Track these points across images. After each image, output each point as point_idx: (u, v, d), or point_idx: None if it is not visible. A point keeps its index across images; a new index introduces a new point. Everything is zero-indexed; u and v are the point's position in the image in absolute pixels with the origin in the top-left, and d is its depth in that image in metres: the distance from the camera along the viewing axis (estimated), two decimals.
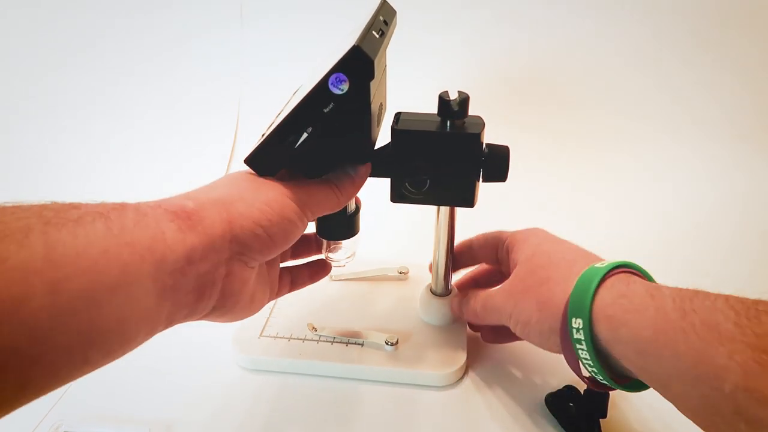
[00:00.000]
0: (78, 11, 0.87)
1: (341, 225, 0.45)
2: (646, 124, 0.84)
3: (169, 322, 0.32)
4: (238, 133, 0.86)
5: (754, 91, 0.82)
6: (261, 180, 0.38)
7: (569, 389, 0.46)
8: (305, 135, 0.36)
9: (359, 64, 0.33)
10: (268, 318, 0.53)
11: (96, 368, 0.28)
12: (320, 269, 0.49)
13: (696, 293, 0.32)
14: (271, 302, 0.54)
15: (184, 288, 0.32)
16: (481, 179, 0.42)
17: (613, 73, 0.84)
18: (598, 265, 0.37)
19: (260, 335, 0.51)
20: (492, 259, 0.50)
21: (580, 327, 0.35)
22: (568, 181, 0.80)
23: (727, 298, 0.30)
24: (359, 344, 0.50)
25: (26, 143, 0.85)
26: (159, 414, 0.46)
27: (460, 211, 0.47)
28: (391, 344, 0.49)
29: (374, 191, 0.45)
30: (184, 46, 0.87)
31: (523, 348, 0.52)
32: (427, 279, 0.54)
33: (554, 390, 0.46)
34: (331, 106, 0.35)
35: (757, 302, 0.30)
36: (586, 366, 0.36)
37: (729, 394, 0.27)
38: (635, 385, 0.37)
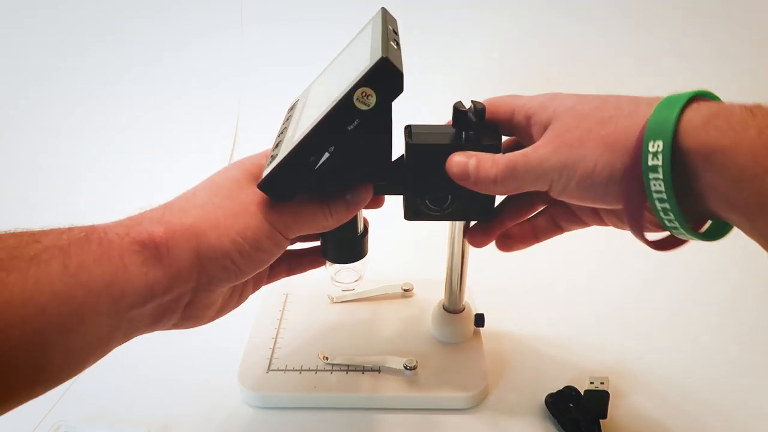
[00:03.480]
0: (79, 13, 0.88)
1: (349, 247, 0.43)
2: None
3: (123, 342, 0.33)
4: (237, 134, 0.86)
5: (756, 90, 0.83)
6: (243, 199, 0.35)
7: (569, 389, 0.46)
8: (326, 155, 0.34)
9: (388, 78, 0.31)
10: (272, 350, 0.50)
11: (41, 394, 0.29)
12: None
13: None
14: (273, 332, 0.52)
15: (142, 317, 0.32)
16: None
17: (623, 77, 0.84)
18: (676, 94, 0.30)
19: (268, 370, 0.47)
20: (505, 130, 0.40)
21: (659, 150, 0.28)
22: None
23: None
24: (376, 370, 0.47)
25: (27, 144, 0.85)
26: (158, 414, 0.46)
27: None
28: (411, 368, 0.46)
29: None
30: (184, 49, 0.88)
31: (523, 348, 0.52)
32: (434, 295, 0.52)
33: (554, 390, 0.46)
34: (356, 123, 0.32)
35: None
36: (657, 204, 0.29)
37: None
38: (711, 232, 0.31)
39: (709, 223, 0.32)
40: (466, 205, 0.40)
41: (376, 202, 0.42)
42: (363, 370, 0.47)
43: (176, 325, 0.36)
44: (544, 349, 0.52)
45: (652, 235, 0.33)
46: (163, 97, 0.87)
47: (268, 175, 0.35)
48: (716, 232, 0.31)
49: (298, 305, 0.55)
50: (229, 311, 0.40)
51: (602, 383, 0.43)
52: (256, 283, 0.42)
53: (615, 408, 0.45)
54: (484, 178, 0.36)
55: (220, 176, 0.37)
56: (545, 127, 0.34)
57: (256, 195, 0.36)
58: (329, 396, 0.45)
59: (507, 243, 0.43)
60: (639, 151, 0.29)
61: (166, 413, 0.46)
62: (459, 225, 0.45)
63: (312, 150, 0.33)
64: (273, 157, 0.36)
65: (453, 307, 0.50)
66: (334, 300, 0.56)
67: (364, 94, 0.31)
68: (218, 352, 0.51)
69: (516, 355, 0.51)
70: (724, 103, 0.29)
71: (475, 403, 0.46)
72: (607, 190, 0.32)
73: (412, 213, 0.41)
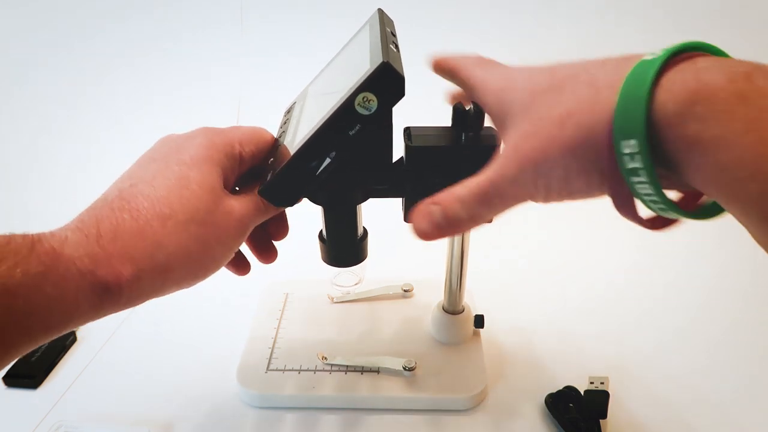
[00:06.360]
0: (77, 10, 0.88)
1: (349, 251, 0.43)
2: None
3: None
4: None
5: None
6: (219, 223, 0.33)
7: (569, 389, 0.46)
8: (328, 160, 0.34)
9: (389, 82, 0.31)
10: (272, 350, 0.50)
11: None
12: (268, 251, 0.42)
13: None
14: (272, 332, 0.52)
15: None
16: None
17: None
18: (647, 57, 0.24)
19: (267, 370, 0.48)
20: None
21: (635, 151, 0.23)
22: None
23: None
24: (375, 371, 0.47)
25: (16, 143, 0.87)
26: (158, 414, 0.46)
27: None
28: (410, 369, 0.46)
29: (369, 208, 0.42)
30: (184, 46, 0.88)
31: (523, 349, 0.52)
32: (434, 295, 0.52)
33: (554, 390, 0.46)
34: (357, 128, 0.32)
35: None
36: (650, 204, 0.26)
37: None
38: (709, 211, 0.27)
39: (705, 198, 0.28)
40: None
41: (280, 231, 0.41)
42: (362, 370, 0.47)
43: None
44: (544, 349, 0.52)
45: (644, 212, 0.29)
46: (162, 95, 0.87)
47: (269, 181, 0.35)
48: (714, 209, 0.27)
49: (298, 305, 0.55)
50: None
51: (602, 383, 0.43)
52: None
53: (615, 408, 0.45)
54: (457, 223, 0.31)
55: (195, 182, 0.32)
56: (503, 128, 0.30)
57: (230, 217, 0.33)
58: (328, 396, 0.45)
59: None
60: (613, 155, 0.25)
61: (166, 413, 0.46)
62: None
63: (313, 155, 0.33)
64: (273, 162, 0.36)
65: (452, 308, 0.50)
66: (334, 300, 0.56)
67: (365, 99, 0.31)
68: (217, 352, 0.51)
69: (516, 356, 0.51)
70: (708, 71, 0.22)
71: (475, 404, 0.46)
72: (589, 191, 0.28)
73: None
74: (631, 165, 0.24)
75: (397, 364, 0.47)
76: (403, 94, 0.31)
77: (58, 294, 0.27)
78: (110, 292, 0.29)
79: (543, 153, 0.27)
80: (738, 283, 0.61)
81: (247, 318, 0.54)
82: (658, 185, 0.24)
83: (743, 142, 0.21)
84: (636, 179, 0.24)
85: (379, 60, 0.30)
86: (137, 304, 0.31)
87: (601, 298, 0.59)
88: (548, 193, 0.29)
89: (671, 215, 0.26)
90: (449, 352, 0.49)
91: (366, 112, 0.31)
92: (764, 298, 0.58)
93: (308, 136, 0.33)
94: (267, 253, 0.42)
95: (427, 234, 0.32)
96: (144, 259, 0.30)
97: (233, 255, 0.35)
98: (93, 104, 0.88)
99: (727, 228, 0.74)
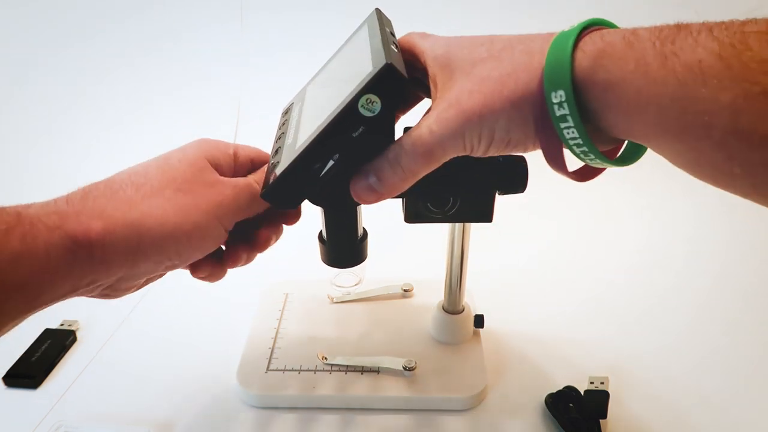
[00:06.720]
0: (77, 10, 0.89)
1: (349, 252, 0.43)
2: None
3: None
4: (238, 133, 0.86)
5: None
6: (198, 191, 0.34)
7: (569, 389, 0.46)
8: (331, 162, 0.34)
9: (392, 84, 0.31)
10: (272, 350, 0.50)
11: None
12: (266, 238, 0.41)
13: (678, 30, 0.26)
14: (272, 332, 0.52)
15: (55, 302, 0.31)
16: (498, 192, 0.41)
17: None
18: (565, 30, 0.30)
19: (267, 370, 0.48)
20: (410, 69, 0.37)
21: (563, 100, 0.28)
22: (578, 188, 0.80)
23: (711, 28, 0.25)
24: (375, 371, 0.47)
25: (22, 142, 0.87)
26: (158, 414, 0.46)
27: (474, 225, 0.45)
28: (410, 369, 0.46)
29: (368, 208, 0.42)
30: (184, 46, 0.88)
31: (523, 349, 0.52)
32: (433, 295, 0.52)
33: (554, 390, 0.46)
34: (360, 129, 0.32)
35: (744, 23, 0.24)
36: (576, 149, 0.30)
37: (719, 142, 0.24)
38: (626, 157, 0.32)
39: (625, 145, 0.33)
40: (467, 207, 0.40)
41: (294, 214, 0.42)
42: (362, 370, 0.47)
43: (86, 293, 0.35)
44: (544, 349, 0.52)
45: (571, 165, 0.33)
46: (161, 95, 0.87)
47: (272, 184, 0.35)
48: (633, 154, 0.32)
49: (298, 305, 0.55)
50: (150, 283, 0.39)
51: (602, 383, 0.44)
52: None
53: (615, 408, 0.45)
54: (393, 186, 0.33)
55: (176, 158, 0.36)
56: (443, 89, 0.32)
57: (212, 187, 0.35)
58: (328, 396, 0.45)
59: None
60: (545, 105, 0.29)
61: (165, 413, 0.46)
62: (459, 226, 0.45)
63: (318, 157, 0.33)
64: (274, 165, 0.36)
65: (452, 307, 0.50)
66: (334, 300, 0.56)
67: (368, 100, 0.31)
68: (217, 352, 0.51)
69: (516, 356, 0.51)
70: (609, 34, 0.28)
71: (475, 404, 0.46)
72: (526, 142, 0.31)
73: (412, 216, 0.41)
74: (560, 112, 0.28)
75: (397, 364, 0.47)
76: (405, 96, 0.31)
77: (25, 249, 0.28)
78: (80, 246, 0.30)
79: (488, 107, 0.30)
80: (738, 283, 0.61)
81: (247, 318, 0.54)
82: (583, 127, 0.28)
83: (635, 77, 0.26)
84: (564, 125, 0.29)
85: (382, 62, 0.30)
86: (117, 265, 0.31)
87: (601, 298, 0.59)
88: (489, 145, 0.32)
89: (596, 163, 0.31)
90: (449, 352, 0.49)
91: (370, 114, 0.31)
92: (764, 298, 0.58)
93: (311, 139, 0.33)
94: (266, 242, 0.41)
95: (366, 199, 0.34)
96: (115, 216, 0.31)
97: (220, 232, 0.35)
98: (93, 104, 0.88)
99: (728, 229, 0.74)
